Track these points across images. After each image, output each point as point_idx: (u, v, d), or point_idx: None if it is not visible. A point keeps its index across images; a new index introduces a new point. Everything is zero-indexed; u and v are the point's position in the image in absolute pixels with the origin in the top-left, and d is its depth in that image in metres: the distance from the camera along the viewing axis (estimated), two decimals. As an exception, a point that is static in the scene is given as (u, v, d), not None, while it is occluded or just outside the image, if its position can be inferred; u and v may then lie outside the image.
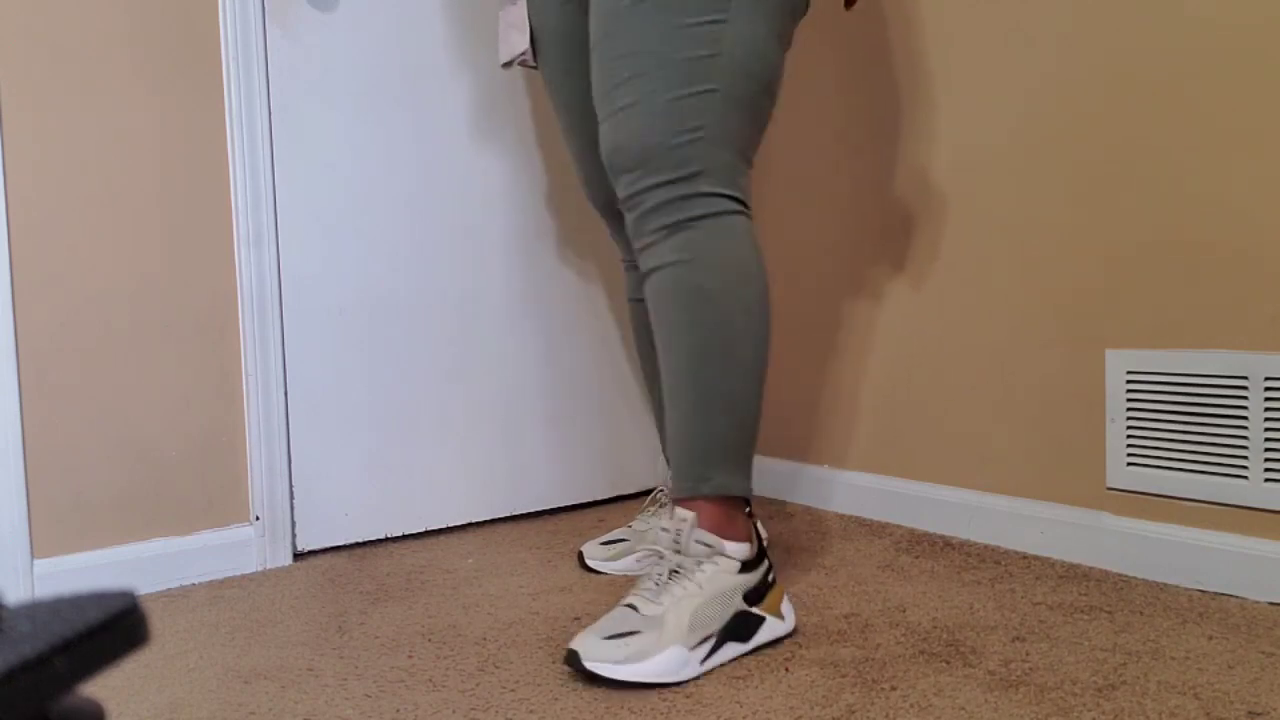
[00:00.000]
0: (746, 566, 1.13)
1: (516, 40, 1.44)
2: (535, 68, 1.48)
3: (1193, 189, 1.31)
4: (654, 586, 1.10)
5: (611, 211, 1.52)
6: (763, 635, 1.13)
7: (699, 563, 1.11)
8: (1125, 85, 1.37)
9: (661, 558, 1.13)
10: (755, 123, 1.18)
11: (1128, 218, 1.39)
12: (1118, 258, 1.40)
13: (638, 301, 1.56)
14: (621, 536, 1.53)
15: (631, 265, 1.57)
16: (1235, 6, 1.26)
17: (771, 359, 1.99)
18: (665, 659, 1.04)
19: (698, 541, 1.11)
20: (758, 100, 1.16)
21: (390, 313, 1.72)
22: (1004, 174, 1.53)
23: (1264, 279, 1.25)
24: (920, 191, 1.66)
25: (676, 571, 1.11)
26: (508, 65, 1.48)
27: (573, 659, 1.04)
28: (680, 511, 1.13)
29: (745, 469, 1.17)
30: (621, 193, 1.19)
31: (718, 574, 1.11)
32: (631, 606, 1.09)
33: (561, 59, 1.42)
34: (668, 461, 1.45)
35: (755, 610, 1.13)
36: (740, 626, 1.11)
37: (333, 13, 1.64)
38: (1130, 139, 1.37)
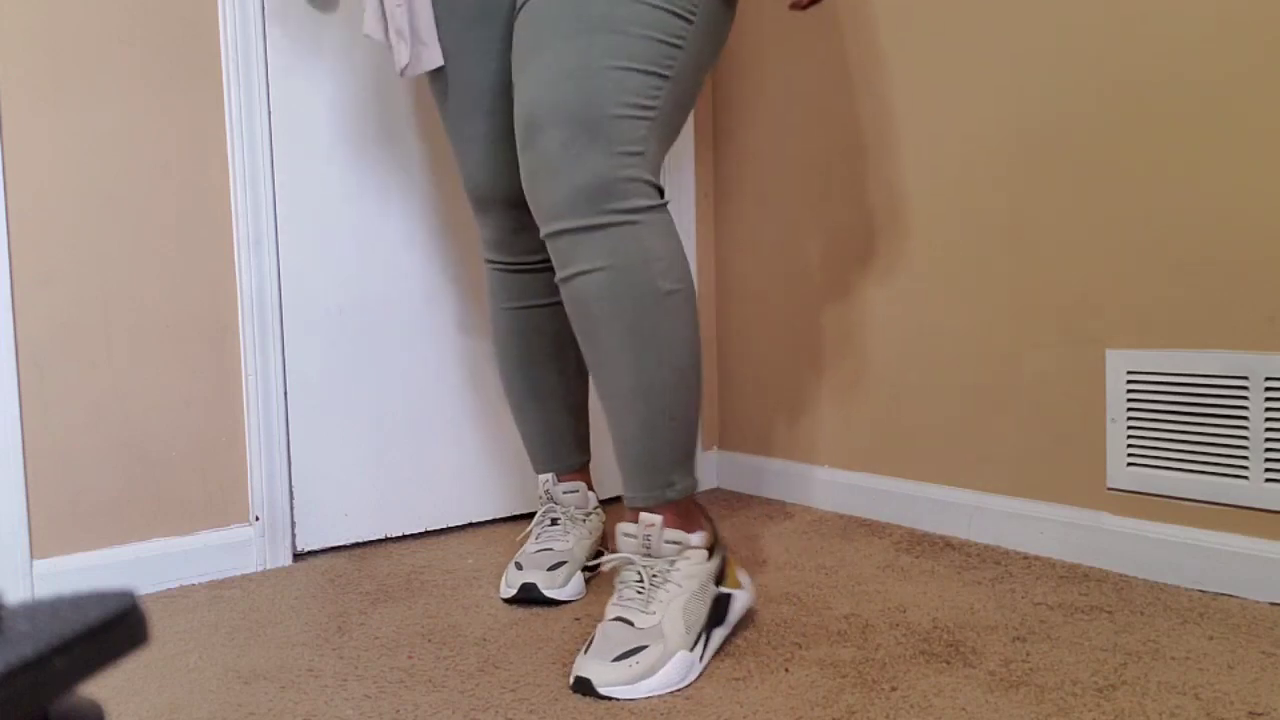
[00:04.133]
0: (710, 552, 1.17)
1: (426, 57, 1.28)
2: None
3: (1192, 189, 1.31)
4: (637, 595, 1.11)
5: (511, 202, 1.36)
6: (735, 610, 1.17)
7: (671, 562, 1.13)
8: (1123, 86, 1.37)
9: (630, 563, 1.14)
10: (684, 123, 1.18)
11: (1128, 218, 1.39)
12: (1118, 258, 1.40)
13: (515, 309, 1.43)
14: (561, 559, 1.38)
15: (509, 268, 1.42)
16: (1232, 10, 1.26)
17: (773, 359, 1.99)
18: (673, 667, 1.05)
19: (667, 541, 1.13)
20: (692, 101, 1.16)
21: (390, 313, 1.72)
22: (1004, 174, 1.54)
23: (1263, 279, 1.25)
24: (921, 190, 1.66)
25: (655, 576, 1.12)
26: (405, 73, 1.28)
27: (585, 687, 1.04)
28: (647, 516, 1.13)
29: (693, 464, 1.19)
30: (540, 154, 1.08)
31: (691, 567, 1.13)
32: (624, 621, 1.09)
33: (478, 30, 1.28)
34: (545, 461, 1.50)
35: (724, 589, 1.16)
36: (719, 610, 1.15)
37: (333, 13, 1.64)
38: (1130, 140, 1.37)
